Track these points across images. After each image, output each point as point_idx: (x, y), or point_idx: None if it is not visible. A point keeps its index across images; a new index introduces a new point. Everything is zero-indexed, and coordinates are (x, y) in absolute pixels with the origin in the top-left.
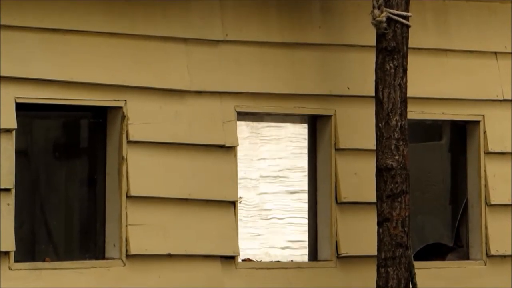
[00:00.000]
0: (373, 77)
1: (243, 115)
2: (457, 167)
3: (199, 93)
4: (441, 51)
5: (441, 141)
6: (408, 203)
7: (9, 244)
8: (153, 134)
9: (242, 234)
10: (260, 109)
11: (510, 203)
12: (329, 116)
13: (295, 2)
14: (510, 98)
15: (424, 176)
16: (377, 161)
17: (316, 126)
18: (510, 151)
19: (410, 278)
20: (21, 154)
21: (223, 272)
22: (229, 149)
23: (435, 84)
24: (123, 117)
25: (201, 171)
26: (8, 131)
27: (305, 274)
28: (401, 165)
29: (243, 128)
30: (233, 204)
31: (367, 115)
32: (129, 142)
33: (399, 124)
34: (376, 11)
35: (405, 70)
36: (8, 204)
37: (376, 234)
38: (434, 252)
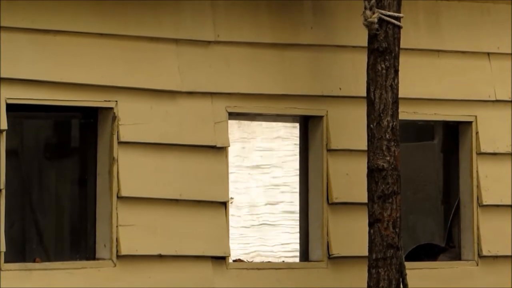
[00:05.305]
0: (365, 78)
1: (234, 116)
2: (449, 168)
3: (190, 93)
4: (433, 52)
5: (434, 141)
6: (399, 204)
7: None
8: (144, 135)
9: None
10: (252, 109)
11: (502, 203)
12: (321, 117)
13: (287, 2)
14: (502, 98)
15: (416, 177)
16: (368, 161)
17: (308, 126)
18: (502, 151)
19: (401, 279)
20: (12, 154)
21: (214, 273)
22: (220, 150)
23: (427, 84)
24: (114, 117)
25: (192, 172)
26: None
27: (296, 274)
28: (392, 166)
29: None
30: (224, 204)
31: (358, 115)
32: (120, 142)
33: (390, 125)
34: (368, 12)
35: (396, 71)
36: None
37: (367, 234)
38: (426, 252)
